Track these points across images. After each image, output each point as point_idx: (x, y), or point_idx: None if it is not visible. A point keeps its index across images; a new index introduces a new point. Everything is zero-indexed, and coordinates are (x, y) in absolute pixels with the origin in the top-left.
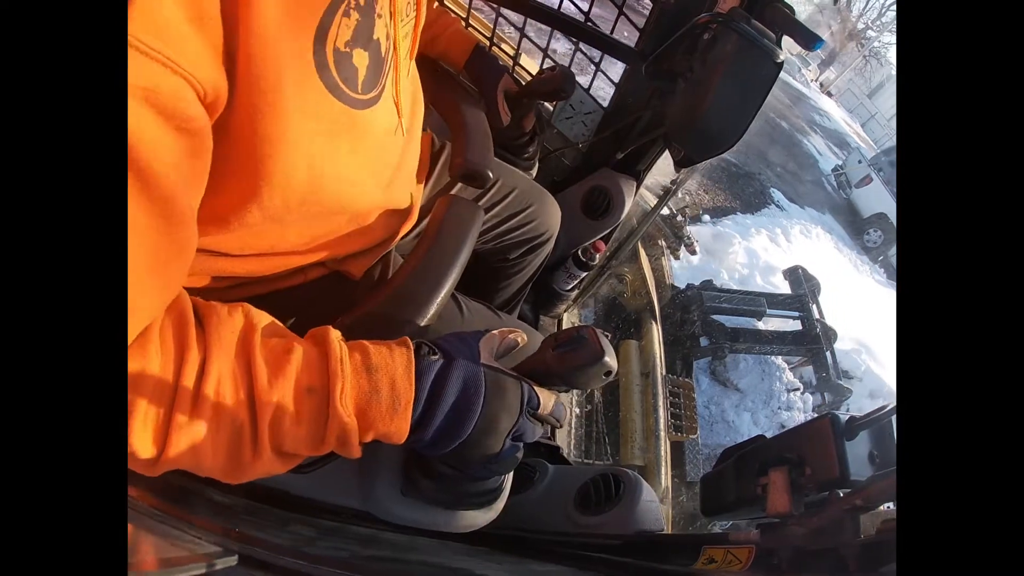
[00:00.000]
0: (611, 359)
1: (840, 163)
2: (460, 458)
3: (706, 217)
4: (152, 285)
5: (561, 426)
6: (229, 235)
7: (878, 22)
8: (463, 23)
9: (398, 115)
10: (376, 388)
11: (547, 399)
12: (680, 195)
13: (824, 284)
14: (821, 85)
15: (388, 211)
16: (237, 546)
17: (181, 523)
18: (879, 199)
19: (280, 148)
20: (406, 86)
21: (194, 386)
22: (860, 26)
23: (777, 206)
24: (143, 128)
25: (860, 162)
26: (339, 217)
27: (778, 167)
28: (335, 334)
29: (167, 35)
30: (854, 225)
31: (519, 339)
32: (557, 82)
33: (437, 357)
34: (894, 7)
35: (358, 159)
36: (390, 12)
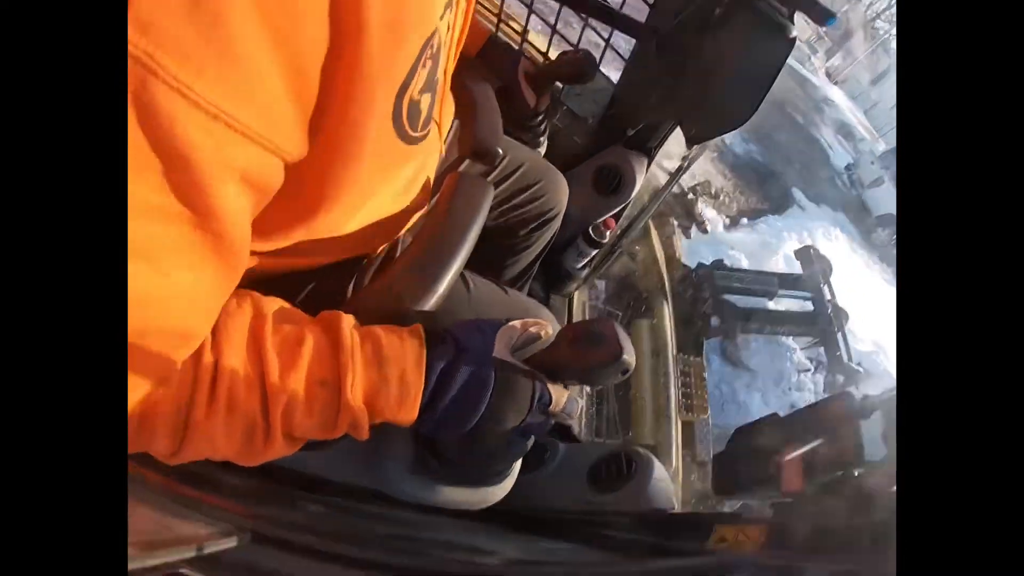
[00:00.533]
0: (630, 357)
1: (852, 161)
2: (465, 447)
3: (744, 220)
4: (210, 324)
5: (573, 421)
6: (266, 243)
7: (887, 12)
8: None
9: (440, 137)
10: (386, 380)
11: (559, 396)
12: (719, 197)
13: (843, 285)
14: (828, 73)
15: (409, 206)
16: (251, 524)
17: (194, 502)
18: (893, 200)
19: (344, 188)
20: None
21: (209, 385)
22: (870, 16)
23: (799, 206)
24: (232, 202)
25: (873, 164)
26: (367, 223)
27: (797, 164)
28: (347, 321)
29: (271, 117)
30: (864, 224)
31: (542, 332)
32: (580, 65)
33: (448, 349)
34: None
35: (397, 183)
36: (447, 46)
